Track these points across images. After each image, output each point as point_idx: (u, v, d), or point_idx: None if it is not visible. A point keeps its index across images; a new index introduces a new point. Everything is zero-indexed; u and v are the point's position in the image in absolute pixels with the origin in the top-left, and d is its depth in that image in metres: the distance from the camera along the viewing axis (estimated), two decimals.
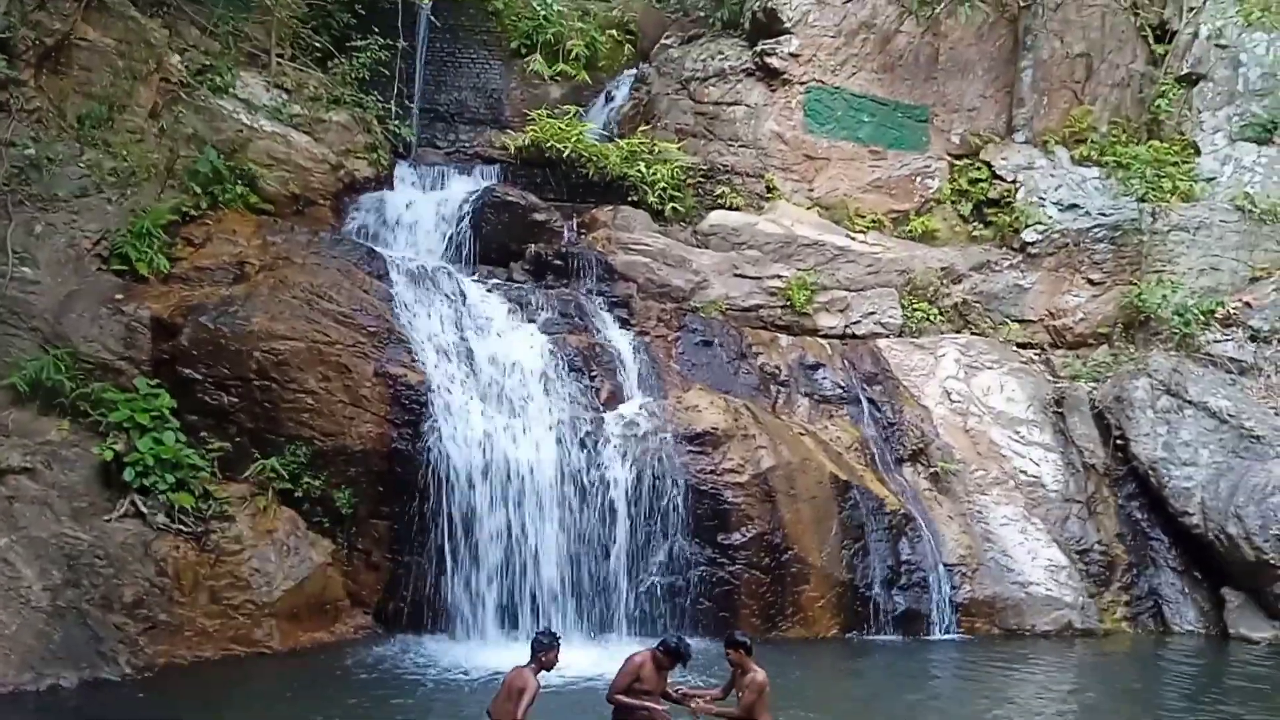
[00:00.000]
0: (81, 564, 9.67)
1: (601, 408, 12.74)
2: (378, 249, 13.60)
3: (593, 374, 13.04)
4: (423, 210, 14.76)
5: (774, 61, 16.31)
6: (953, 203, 16.74)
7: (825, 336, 15.08)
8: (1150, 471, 13.73)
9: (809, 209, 16.19)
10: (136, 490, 10.40)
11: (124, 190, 12.06)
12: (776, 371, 14.29)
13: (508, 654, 10.56)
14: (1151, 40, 17.72)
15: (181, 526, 10.39)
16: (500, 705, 7.90)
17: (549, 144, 15.48)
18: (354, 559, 11.49)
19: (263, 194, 13.58)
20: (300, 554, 10.97)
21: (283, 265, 12.37)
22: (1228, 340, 14.55)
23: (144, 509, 10.35)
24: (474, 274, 14.12)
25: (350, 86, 15.36)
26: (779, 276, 15.11)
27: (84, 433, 10.62)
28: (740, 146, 16.30)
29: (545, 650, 7.93)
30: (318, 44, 15.62)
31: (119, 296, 11.48)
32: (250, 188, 13.41)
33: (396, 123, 15.77)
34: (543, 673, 7.96)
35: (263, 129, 13.95)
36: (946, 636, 12.58)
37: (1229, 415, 13.69)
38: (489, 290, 13.65)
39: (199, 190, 12.87)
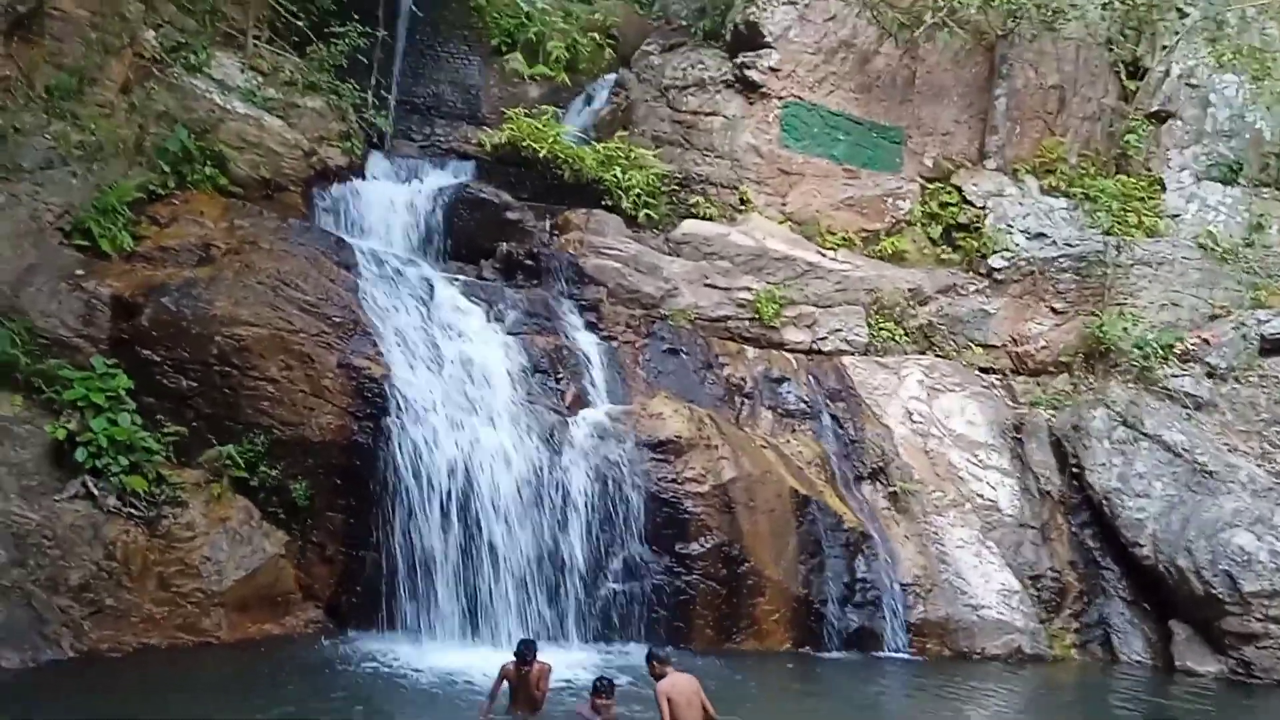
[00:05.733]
0: (29, 544, 9.44)
1: (566, 411, 12.67)
2: (347, 239, 13.43)
3: (558, 376, 12.97)
4: (395, 202, 14.59)
5: (753, 74, 16.36)
6: (923, 225, 16.90)
7: (791, 351, 15.13)
8: (1104, 501, 13.91)
9: (781, 223, 16.26)
10: (88, 471, 10.15)
11: (90, 164, 11.81)
12: (742, 383, 14.32)
13: (460, 655, 10.55)
14: (1124, 76, 18.03)
15: (133, 510, 10.16)
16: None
17: (525, 143, 15.39)
18: (308, 551, 11.29)
19: (232, 176, 13.37)
20: (253, 544, 10.77)
21: (249, 249, 12.17)
22: (1185, 375, 14.77)
23: (95, 491, 10.10)
24: (444, 269, 13.98)
25: (327, 73, 15.17)
26: (748, 289, 15.14)
27: (37, 410, 10.36)
28: (716, 157, 16.32)
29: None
30: (296, 28, 15.40)
31: (79, 272, 11.23)
32: (220, 169, 13.20)
33: (372, 112, 15.62)
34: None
35: (235, 110, 13.74)
36: (897, 655, 12.64)
37: (1183, 449, 13.91)
38: (458, 287, 13.53)
39: (167, 169, 12.64)
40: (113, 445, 10.27)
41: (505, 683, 9.14)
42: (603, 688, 8.87)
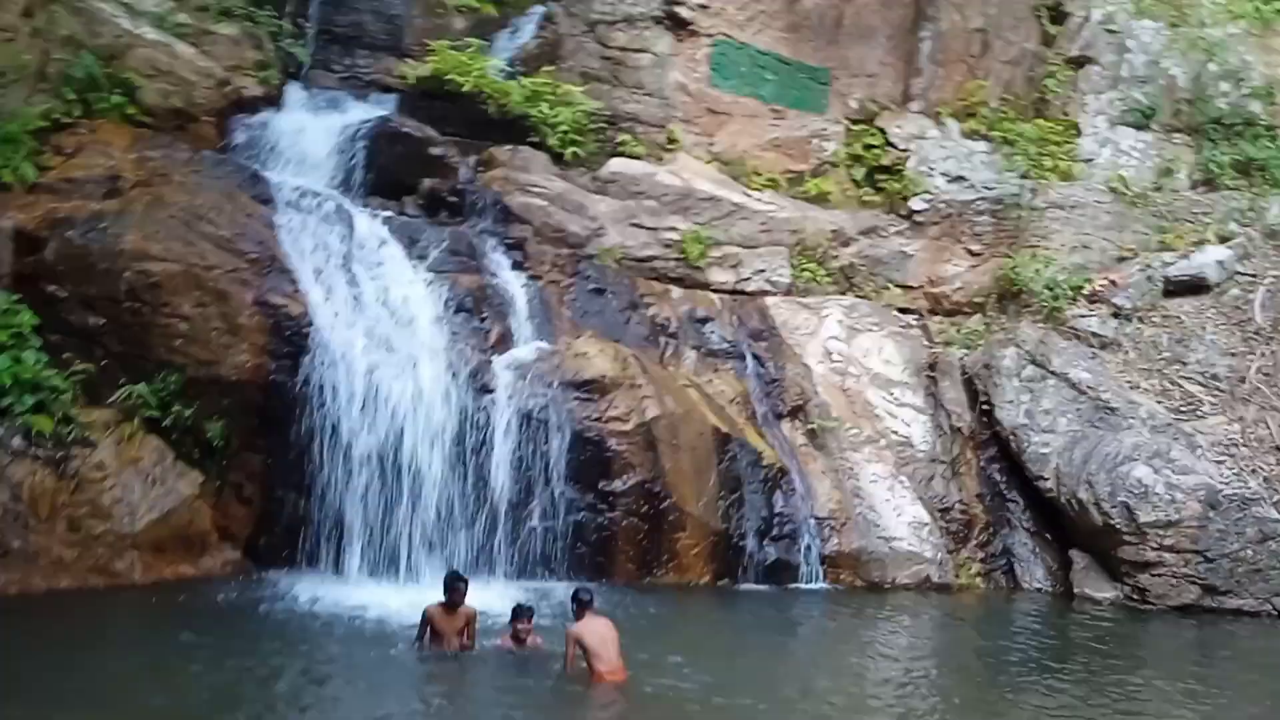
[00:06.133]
0: None
1: (490, 350, 12.65)
2: (263, 173, 13.10)
3: (483, 315, 12.92)
4: (313, 135, 14.16)
5: (682, 11, 16.19)
6: (847, 167, 17.02)
7: (716, 291, 15.25)
8: (1011, 436, 14.39)
9: (709, 163, 16.24)
10: None
11: None
12: (666, 323, 14.41)
13: (380, 593, 10.63)
14: (1045, 21, 18.24)
15: (39, 451, 9.93)
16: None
17: (450, 77, 15.04)
18: (224, 492, 11.15)
19: (142, 105, 12.88)
20: (167, 485, 10.62)
21: (160, 182, 11.82)
22: (1092, 316, 15.23)
23: None
24: (364, 205, 13.70)
25: None
26: (675, 229, 15.16)
27: None
28: (644, 95, 16.18)
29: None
30: None
31: None
32: (129, 98, 12.70)
33: (289, 41, 15.13)
34: None
35: (145, 37, 13.20)
36: (813, 586, 13.01)
37: (1088, 387, 14.41)
38: (379, 223, 13.30)
39: (73, 97, 12.15)
40: (17, 384, 9.97)
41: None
42: (522, 611, 9.05)
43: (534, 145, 15.09)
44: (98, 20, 12.79)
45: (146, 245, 11.07)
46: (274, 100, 14.63)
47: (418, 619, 9.21)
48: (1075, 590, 13.47)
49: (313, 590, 10.66)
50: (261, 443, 11.29)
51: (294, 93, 14.97)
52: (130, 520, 10.28)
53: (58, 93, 12.05)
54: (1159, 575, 13.03)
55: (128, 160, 12.00)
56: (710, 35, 16.33)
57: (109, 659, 8.41)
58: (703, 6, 16.23)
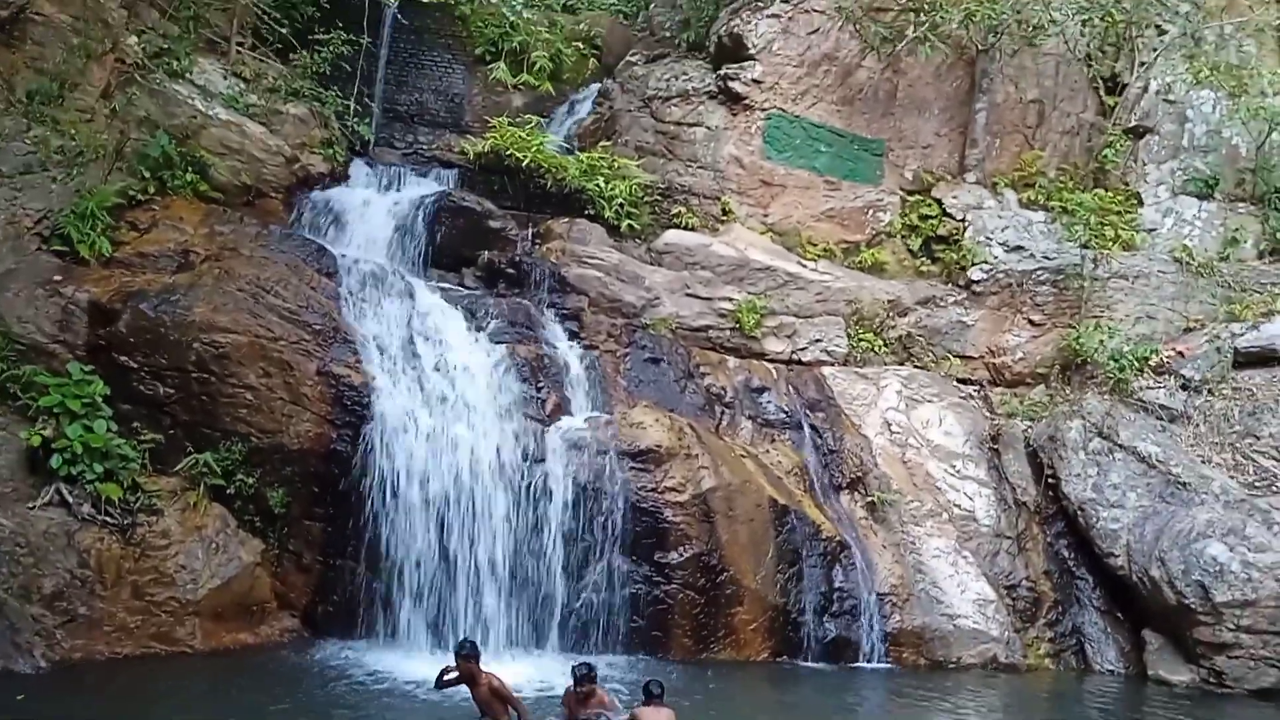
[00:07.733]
0: (2, 551, 9.39)
1: (546, 419, 12.69)
2: (328, 246, 13.43)
3: (539, 385, 12.99)
4: (377, 210, 14.60)
5: (736, 86, 16.44)
6: (903, 237, 16.99)
7: (772, 361, 15.20)
8: (1079, 511, 14.01)
9: (763, 234, 16.32)
10: (63, 478, 10.13)
11: (70, 170, 11.80)
12: (722, 393, 14.37)
13: (436, 663, 10.51)
14: (1102, 91, 18.17)
15: (107, 518, 10.13)
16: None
17: (509, 152, 15.42)
18: (284, 560, 11.28)
19: (213, 182, 13.37)
20: (229, 552, 10.74)
21: (229, 256, 12.17)
22: (1160, 388, 14.88)
23: (69, 498, 10.08)
24: (425, 278, 14.00)
25: (310, 80, 15.21)
26: (729, 299, 15.20)
27: (12, 416, 10.34)
28: (699, 168, 16.39)
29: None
30: (279, 34, 15.43)
31: (57, 278, 11.21)
32: (200, 175, 13.19)
33: (355, 120, 15.64)
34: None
35: (217, 117, 13.75)
36: (874, 665, 12.68)
37: (1158, 461, 14.02)
38: (440, 295, 13.54)
39: (147, 174, 12.64)
40: (88, 452, 10.23)
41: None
42: (580, 673, 8.83)
43: (590, 217, 15.32)
44: (173, 102, 13.36)
45: (215, 317, 11.36)
46: (339, 176, 15.11)
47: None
48: (1149, 672, 12.97)
49: (370, 659, 10.66)
50: (321, 511, 11.39)
51: (358, 169, 15.46)
52: (193, 587, 10.39)
53: (133, 171, 12.54)
54: (1236, 657, 12.49)
55: (199, 235, 12.39)
56: (764, 109, 16.53)
57: None
58: (756, 81, 16.47)
